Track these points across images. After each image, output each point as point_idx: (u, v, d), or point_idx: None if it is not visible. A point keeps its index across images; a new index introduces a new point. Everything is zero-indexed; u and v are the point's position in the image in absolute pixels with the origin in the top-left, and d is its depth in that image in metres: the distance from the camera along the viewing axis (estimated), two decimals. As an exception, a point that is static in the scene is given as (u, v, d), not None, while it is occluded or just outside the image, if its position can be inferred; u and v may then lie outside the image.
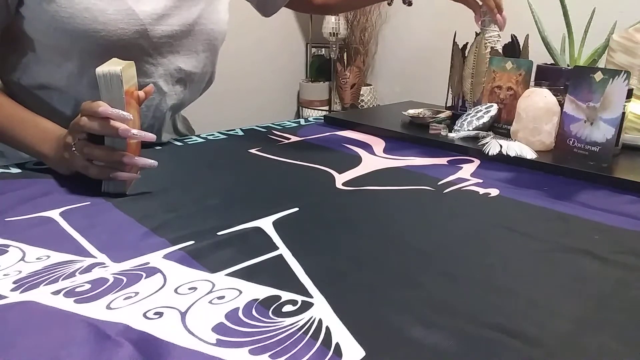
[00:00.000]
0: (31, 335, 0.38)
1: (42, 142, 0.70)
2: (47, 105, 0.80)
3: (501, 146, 0.83)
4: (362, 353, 0.37)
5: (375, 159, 0.84)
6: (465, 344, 0.38)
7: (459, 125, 0.94)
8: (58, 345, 0.37)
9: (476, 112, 0.94)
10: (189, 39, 0.83)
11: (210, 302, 0.42)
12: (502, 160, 0.81)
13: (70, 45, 0.73)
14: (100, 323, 0.39)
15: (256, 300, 0.43)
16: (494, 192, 0.69)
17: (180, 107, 0.92)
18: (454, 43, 1.06)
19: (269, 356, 0.36)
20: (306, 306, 0.42)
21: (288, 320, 0.40)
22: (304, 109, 2.60)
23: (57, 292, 0.43)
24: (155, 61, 0.80)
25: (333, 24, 2.37)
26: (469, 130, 0.91)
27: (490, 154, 0.82)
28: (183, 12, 0.81)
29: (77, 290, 0.44)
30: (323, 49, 2.63)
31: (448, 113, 1.01)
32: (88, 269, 0.47)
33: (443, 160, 0.83)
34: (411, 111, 1.03)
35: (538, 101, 0.83)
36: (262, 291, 0.44)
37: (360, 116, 1.21)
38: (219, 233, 0.55)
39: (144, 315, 0.41)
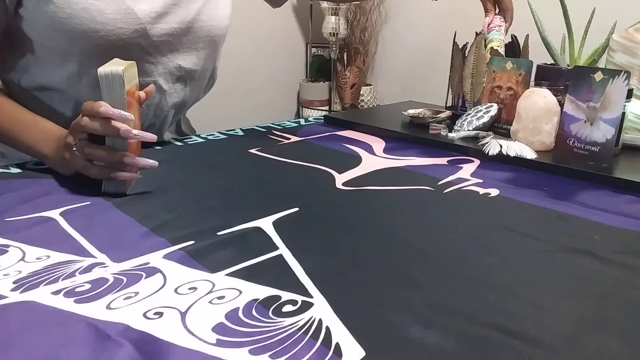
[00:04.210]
0: (31, 335, 0.38)
1: (42, 142, 0.70)
2: (47, 107, 0.80)
3: (501, 146, 0.83)
4: (362, 353, 0.37)
5: (375, 159, 0.84)
6: (465, 344, 0.38)
7: (459, 125, 0.94)
8: (58, 345, 0.37)
9: (476, 112, 0.94)
10: (189, 36, 0.83)
11: (210, 302, 0.42)
12: (502, 160, 0.81)
13: (69, 46, 0.73)
14: (100, 323, 0.39)
15: (256, 300, 0.43)
16: (494, 192, 0.69)
17: (183, 105, 0.91)
18: (454, 43, 1.06)
19: (269, 356, 0.36)
20: (306, 306, 0.42)
21: (288, 320, 0.40)
22: (304, 109, 2.60)
23: (57, 292, 0.43)
24: (154, 60, 0.80)
25: (333, 24, 2.37)
26: (469, 130, 0.91)
27: (490, 154, 0.82)
28: (181, 9, 0.81)
29: (77, 290, 0.44)
30: (323, 49, 2.63)
31: (448, 113, 1.01)
32: (88, 269, 0.47)
33: (443, 160, 0.83)
34: (411, 111, 1.03)
35: (538, 101, 0.83)
36: (262, 291, 0.44)
37: (360, 116, 1.21)
38: (219, 233, 0.55)
39: (144, 315, 0.41)
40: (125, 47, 0.75)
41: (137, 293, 0.44)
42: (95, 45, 0.73)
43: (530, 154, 0.81)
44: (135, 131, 0.62)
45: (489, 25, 0.99)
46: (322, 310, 0.42)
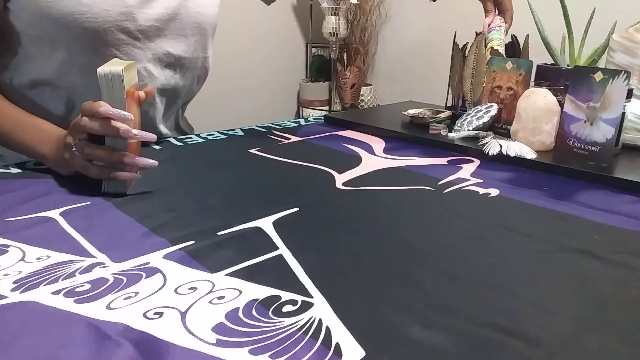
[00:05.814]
0: (31, 335, 0.38)
1: (41, 143, 0.70)
2: (40, 106, 0.80)
3: (501, 146, 0.83)
4: (362, 353, 0.37)
5: (375, 159, 0.84)
6: (465, 344, 0.38)
7: (459, 125, 0.94)
8: (58, 345, 0.37)
9: (476, 112, 0.94)
10: (176, 22, 0.84)
11: (210, 302, 0.42)
12: (502, 160, 0.81)
13: (57, 32, 0.73)
14: (100, 323, 0.39)
15: (256, 300, 0.43)
16: (494, 192, 0.69)
17: (174, 93, 0.90)
18: (454, 43, 1.06)
19: (269, 356, 0.36)
20: (306, 306, 0.42)
21: (288, 320, 0.40)
22: (304, 109, 2.61)
23: (57, 292, 0.43)
24: (143, 45, 0.81)
25: (333, 24, 2.37)
26: (469, 130, 0.91)
27: (490, 154, 0.82)
28: None
29: (77, 290, 0.44)
30: (323, 49, 2.63)
31: (448, 113, 1.01)
32: (88, 269, 0.47)
33: (443, 160, 0.83)
34: (411, 111, 1.03)
35: (538, 101, 0.83)
36: (262, 291, 0.44)
37: (360, 116, 1.21)
38: (219, 233, 0.55)
39: (144, 315, 0.41)
40: (112, 32, 0.75)
41: (137, 293, 0.44)
42: (83, 29, 0.73)
43: (530, 154, 0.81)
44: (135, 131, 0.62)
45: (489, 26, 0.99)
46: (322, 310, 0.42)
